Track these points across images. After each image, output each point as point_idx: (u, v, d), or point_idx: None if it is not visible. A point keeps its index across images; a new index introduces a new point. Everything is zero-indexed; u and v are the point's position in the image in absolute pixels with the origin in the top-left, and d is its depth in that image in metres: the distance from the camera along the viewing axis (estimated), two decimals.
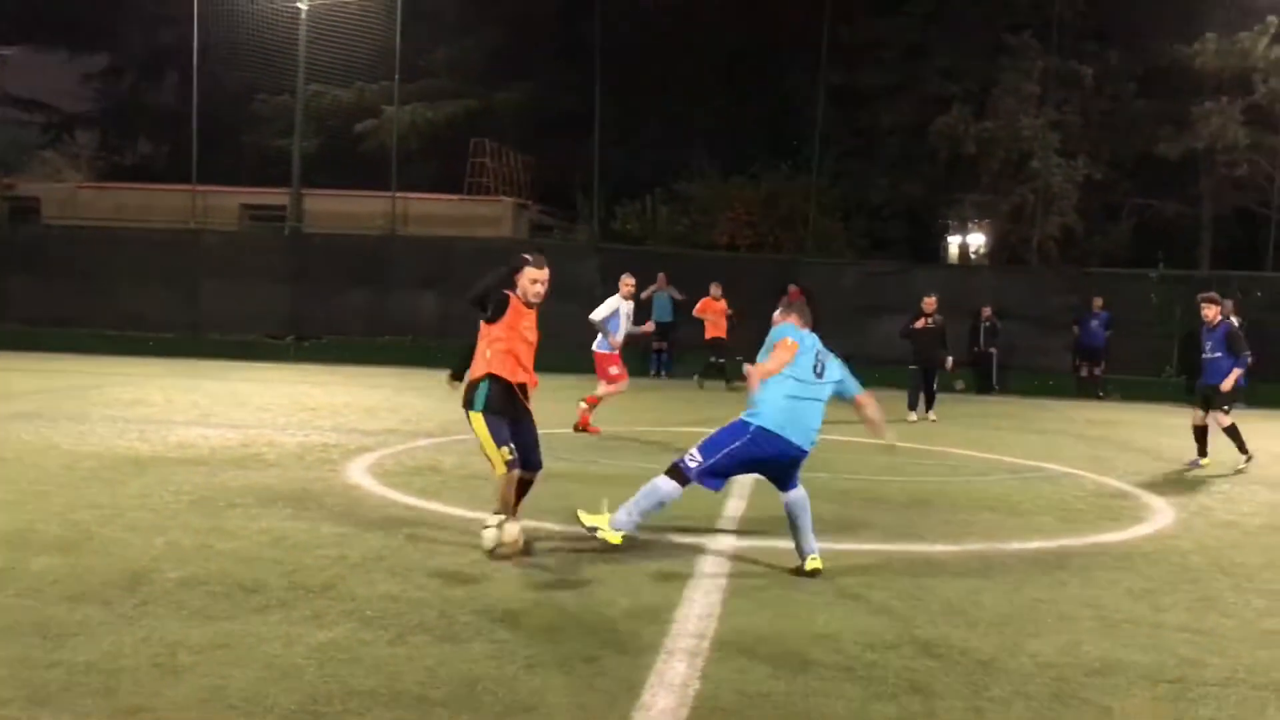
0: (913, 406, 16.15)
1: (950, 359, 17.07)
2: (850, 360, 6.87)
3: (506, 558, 6.34)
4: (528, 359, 6.73)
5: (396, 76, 26.70)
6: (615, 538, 6.43)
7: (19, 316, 24.30)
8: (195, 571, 5.88)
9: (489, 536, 6.44)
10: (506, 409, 6.57)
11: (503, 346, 6.60)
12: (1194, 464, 11.82)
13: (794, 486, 6.44)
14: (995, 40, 29.31)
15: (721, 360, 20.52)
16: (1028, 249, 28.70)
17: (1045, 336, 23.85)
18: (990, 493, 9.71)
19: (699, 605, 5.64)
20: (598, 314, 12.46)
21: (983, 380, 22.23)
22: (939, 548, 7.28)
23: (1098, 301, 22.77)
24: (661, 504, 6.43)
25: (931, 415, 16.12)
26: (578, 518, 6.62)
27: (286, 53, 27.20)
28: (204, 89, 26.97)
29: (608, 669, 4.61)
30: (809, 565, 6.30)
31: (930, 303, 16.50)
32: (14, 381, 16.39)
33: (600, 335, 12.53)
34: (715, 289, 20.98)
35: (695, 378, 20.57)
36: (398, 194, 26.71)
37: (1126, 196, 30.66)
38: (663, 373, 22.63)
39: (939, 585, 6.28)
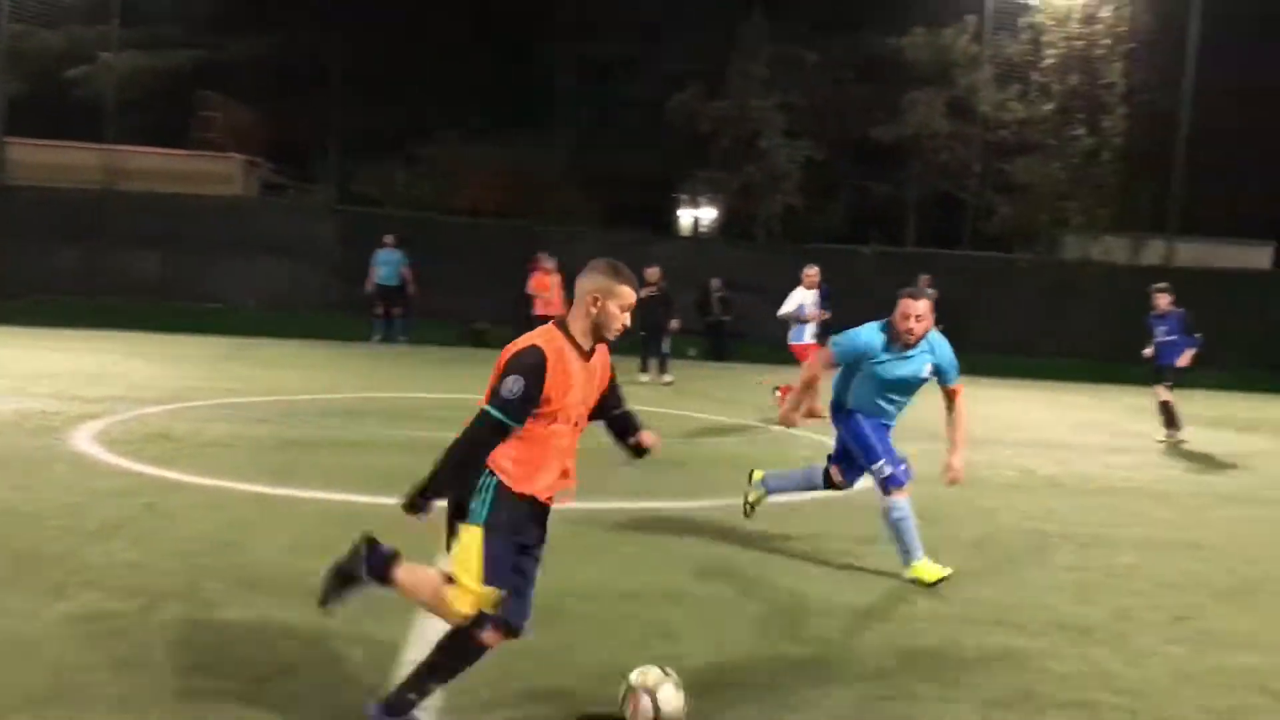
0: (644, 369, 17.01)
1: (675, 322, 17.75)
2: None
3: None
4: (573, 451, 3.97)
5: (116, 20, 24.95)
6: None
7: None
8: None
9: None
10: (524, 531, 3.83)
11: (543, 444, 3.80)
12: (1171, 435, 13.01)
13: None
14: (729, 21, 30.41)
15: None
16: (755, 224, 30.05)
17: (771, 308, 25.05)
18: (727, 452, 10.25)
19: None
20: (784, 308, 13.65)
21: (715, 348, 23.19)
22: (681, 504, 7.68)
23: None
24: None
25: (666, 377, 16.86)
26: None
27: None
28: None
29: (366, 635, 4.64)
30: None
31: (652, 273, 17.34)
32: None
33: (793, 328, 13.68)
34: (549, 261, 17.91)
35: None
36: (114, 146, 25.04)
37: (844, 177, 32.64)
38: (400, 338, 21.87)
39: (678, 540, 6.67)
